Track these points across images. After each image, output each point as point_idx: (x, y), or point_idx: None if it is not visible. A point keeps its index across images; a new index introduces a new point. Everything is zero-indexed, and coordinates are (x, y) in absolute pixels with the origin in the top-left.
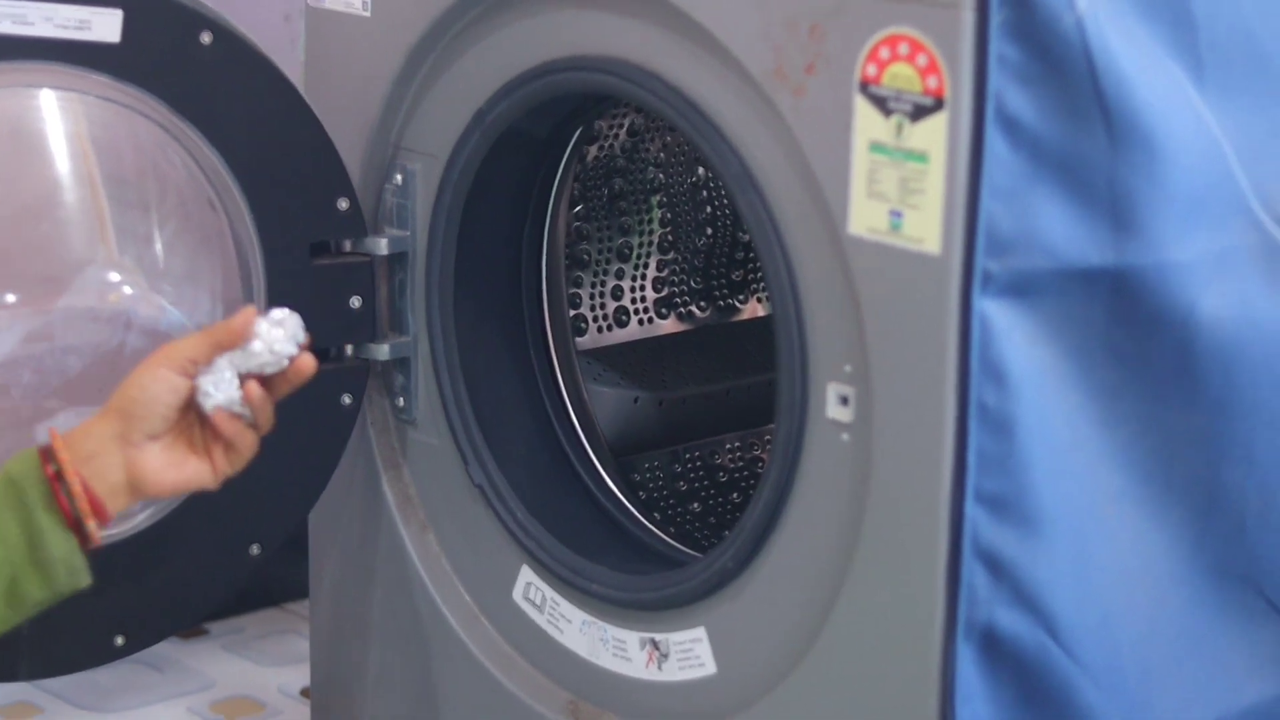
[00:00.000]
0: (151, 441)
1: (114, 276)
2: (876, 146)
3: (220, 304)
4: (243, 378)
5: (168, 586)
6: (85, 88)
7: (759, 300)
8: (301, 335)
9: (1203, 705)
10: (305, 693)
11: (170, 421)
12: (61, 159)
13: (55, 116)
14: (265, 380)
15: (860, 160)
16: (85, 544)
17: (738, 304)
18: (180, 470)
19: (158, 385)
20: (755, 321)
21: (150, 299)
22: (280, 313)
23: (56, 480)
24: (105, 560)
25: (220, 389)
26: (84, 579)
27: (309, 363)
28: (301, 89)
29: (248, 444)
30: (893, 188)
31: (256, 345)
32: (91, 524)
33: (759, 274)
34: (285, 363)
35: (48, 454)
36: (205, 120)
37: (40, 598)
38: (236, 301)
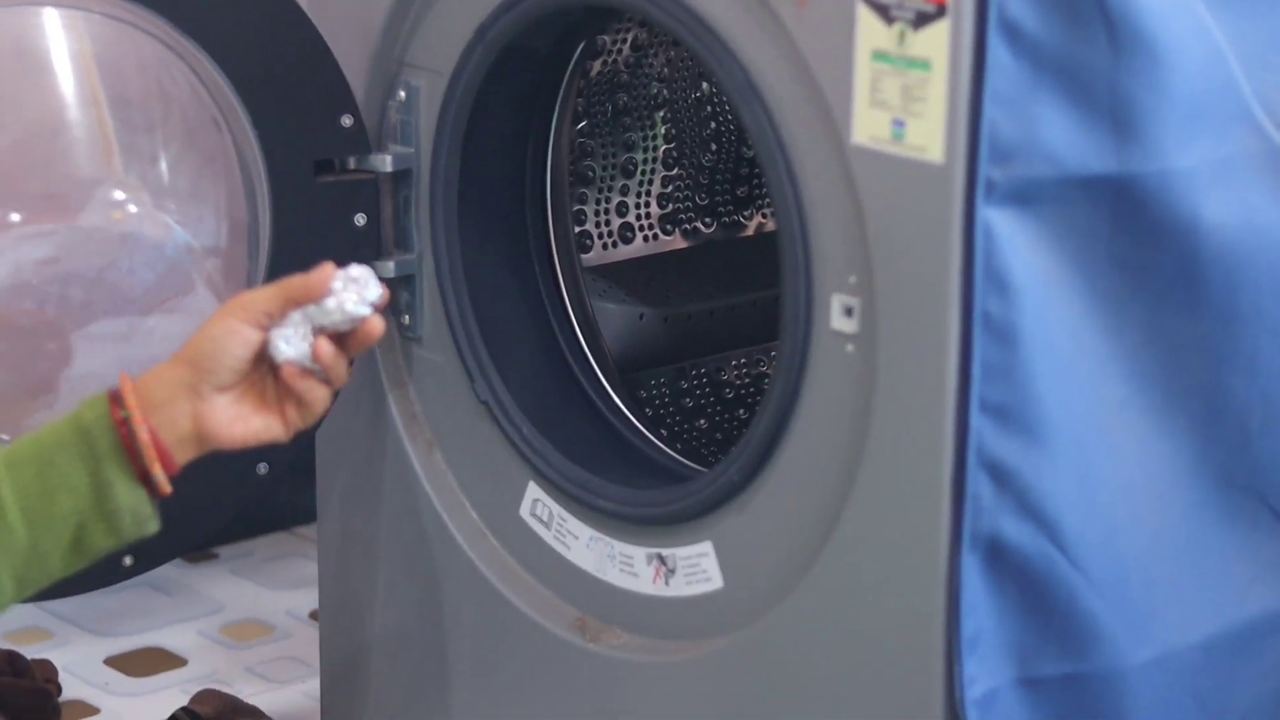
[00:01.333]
0: (221, 394)
1: (119, 195)
2: (879, 55)
3: (225, 221)
4: (315, 333)
5: (176, 506)
6: (89, 5)
7: (764, 216)
8: (375, 294)
9: (1207, 614)
10: (314, 615)
11: (240, 374)
12: (66, 77)
13: (59, 35)
14: (338, 337)
15: (863, 69)
16: (153, 494)
17: (742, 220)
18: (248, 424)
19: (230, 338)
20: (760, 237)
21: (155, 217)
22: (358, 270)
23: (124, 427)
24: None
25: (292, 344)
26: (151, 527)
27: (377, 326)
28: (305, 6)
29: (319, 399)
30: (895, 96)
31: (330, 302)
32: (159, 474)
33: (763, 190)
34: (358, 322)
35: (117, 399)
36: (209, 38)
37: (106, 545)
38: (241, 220)
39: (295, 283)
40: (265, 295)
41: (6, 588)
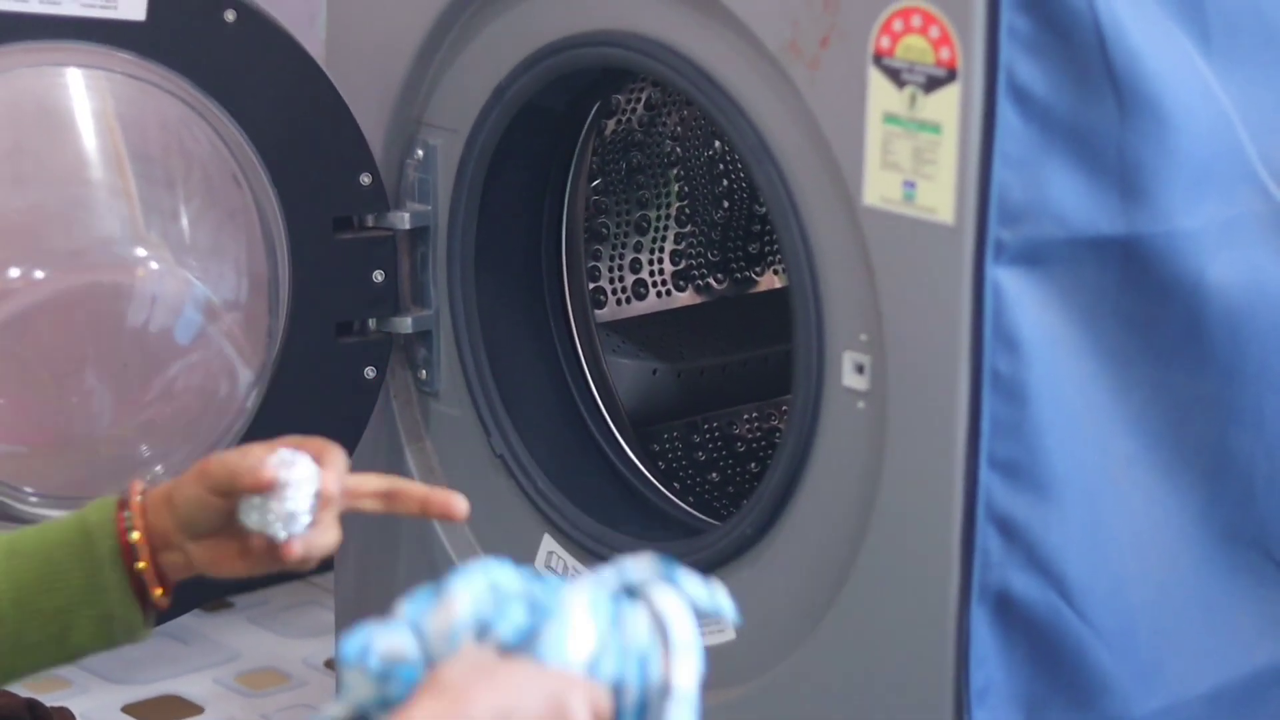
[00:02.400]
0: (210, 539)
1: (141, 252)
2: (890, 118)
3: (245, 277)
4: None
5: None
6: (111, 65)
7: (775, 272)
8: (304, 520)
9: (1213, 667)
10: (329, 664)
11: (214, 532)
12: (88, 136)
13: (82, 94)
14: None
15: (874, 131)
16: (147, 608)
17: (754, 276)
18: (224, 566)
19: (199, 500)
20: (771, 293)
21: (176, 274)
22: (302, 471)
23: (126, 537)
24: None
25: (254, 519)
26: (141, 637)
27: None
28: (323, 65)
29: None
30: (906, 158)
31: (276, 506)
32: (157, 593)
33: (775, 246)
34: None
35: (123, 507)
36: (229, 97)
37: (93, 647)
38: (261, 275)
39: (245, 473)
40: (221, 467)
41: None
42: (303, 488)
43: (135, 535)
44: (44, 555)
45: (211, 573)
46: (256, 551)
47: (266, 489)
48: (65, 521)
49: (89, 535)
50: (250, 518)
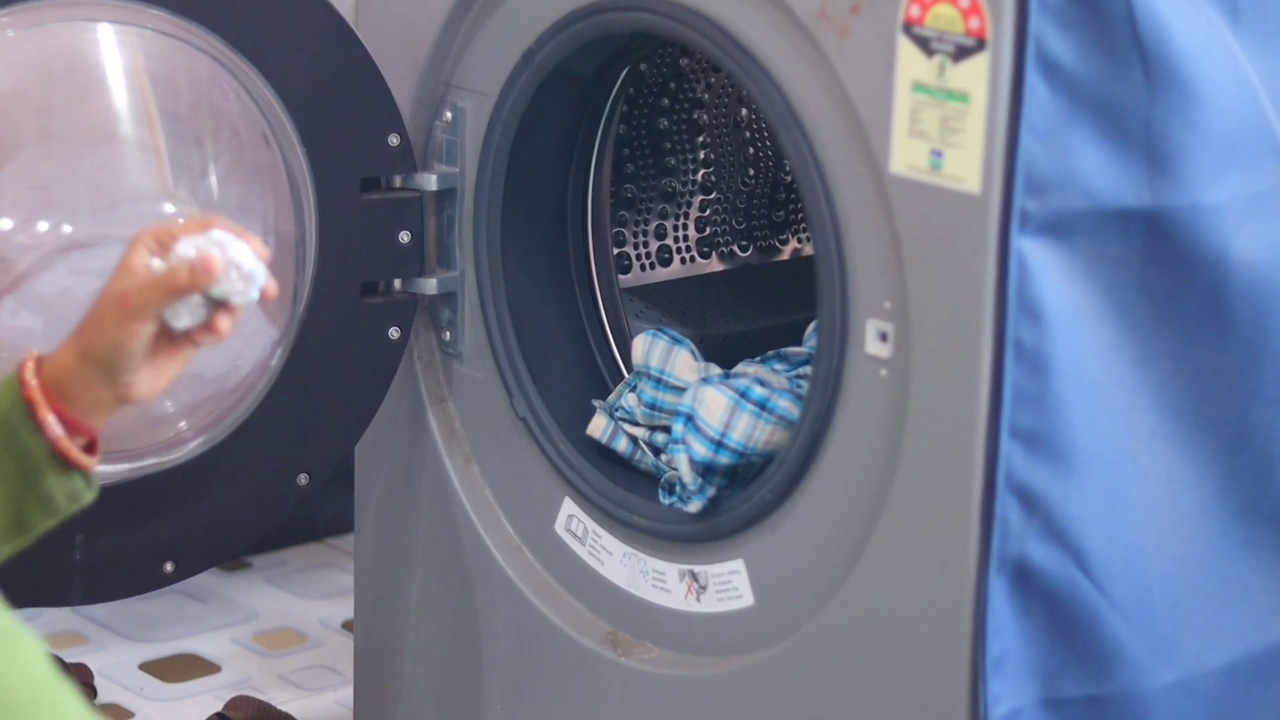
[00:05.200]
0: (137, 371)
1: (169, 208)
2: (919, 86)
3: (272, 235)
4: (208, 304)
5: (217, 514)
6: (143, 21)
7: (799, 241)
8: (261, 279)
9: (1229, 640)
10: (347, 625)
11: (147, 354)
12: (119, 92)
13: (113, 50)
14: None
15: (902, 100)
16: (81, 467)
17: (778, 244)
18: (169, 371)
19: (129, 341)
20: (796, 261)
21: None
22: (237, 249)
23: (39, 413)
24: (156, 487)
25: (187, 316)
26: (88, 498)
27: (270, 295)
28: (355, 27)
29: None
30: (934, 127)
31: (217, 290)
32: (79, 457)
33: (799, 214)
34: (254, 294)
35: (25, 384)
36: (260, 56)
37: (47, 523)
38: (288, 234)
39: (180, 278)
40: (150, 294)
41: None
42: (236, 246)
43: (38, 412)
44: None
45: (150, 399)
46: (190, 342)
47: (218, 274)
48: None
49: (5, 423)
50: (184, 318)
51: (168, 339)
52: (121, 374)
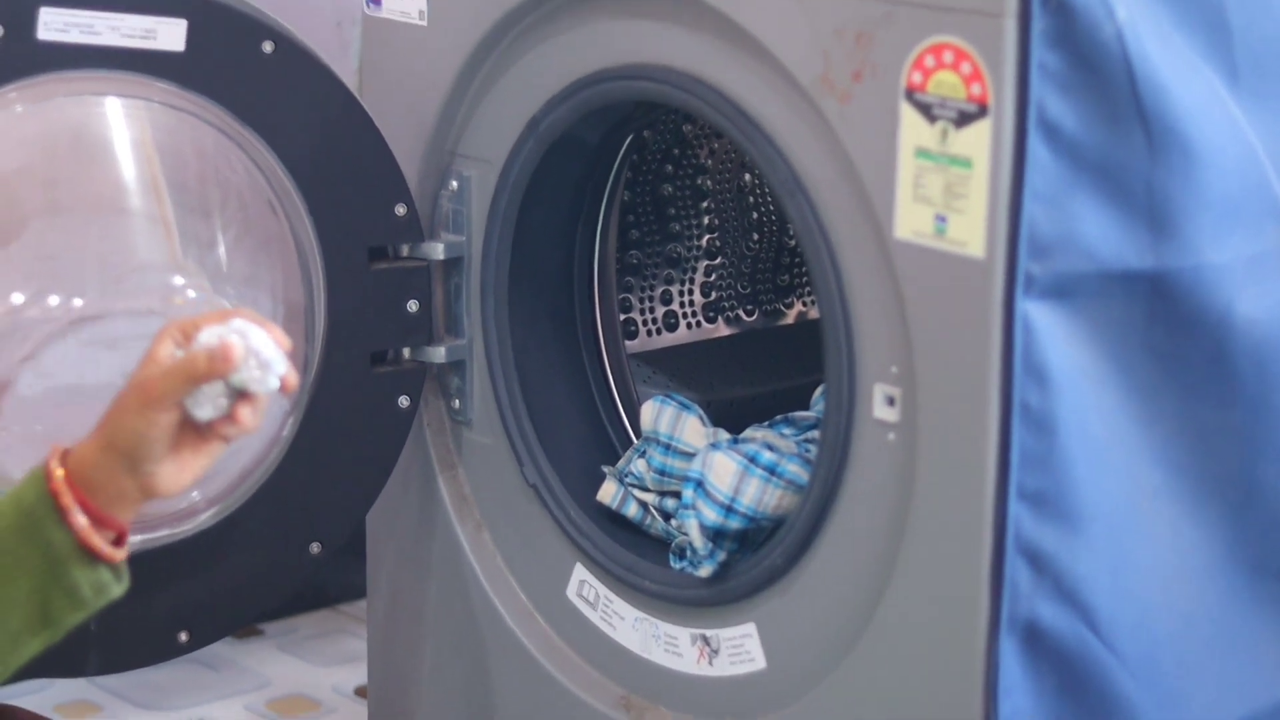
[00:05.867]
0: (160, 463)
1: (178, 280)
2: (922, 152)
3: (281, 305)
4: (230, 394)
5: (231, 583)
6: (150, 95)
7: (804, 304)
8: (280, 368)
9: (1238, 698)
10: (360, 691)
11: (170, 445)
12: (127, 164)
13: (121, 123)
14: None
15: (906, 165)
16: (106, 559)
17: (783, 308)
18: (194, 466)
19: (151, 430)
20: (801, 325)
21: (213, 301)
22: (257, 337)
23: (65, 510)
24: (170, 558)
25: (209, 407)
26: (115, 591)
27: (290, 387)
28: (360, 98)
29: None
30: (937, 192)
31: (236, 379)
32: (106, 550)
33: (805, 278)
34: (274, 382)
35: (50, 477)
36: (267, 127)
37: (74, 617)
38: (297, 303)
39: (200, 365)
40: (170, 382)
41: None
42: (257, 335)
43: (62, 501)
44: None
45: (175, 493)
46: (215, 436)
47: (237, 361)
48: (4, 506)
49: (31, 514)
50: (206, 408)
51: (194, 432)
52: (143, 463)
